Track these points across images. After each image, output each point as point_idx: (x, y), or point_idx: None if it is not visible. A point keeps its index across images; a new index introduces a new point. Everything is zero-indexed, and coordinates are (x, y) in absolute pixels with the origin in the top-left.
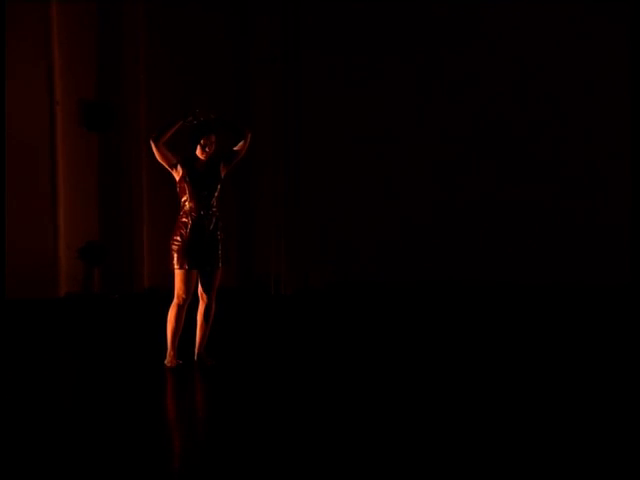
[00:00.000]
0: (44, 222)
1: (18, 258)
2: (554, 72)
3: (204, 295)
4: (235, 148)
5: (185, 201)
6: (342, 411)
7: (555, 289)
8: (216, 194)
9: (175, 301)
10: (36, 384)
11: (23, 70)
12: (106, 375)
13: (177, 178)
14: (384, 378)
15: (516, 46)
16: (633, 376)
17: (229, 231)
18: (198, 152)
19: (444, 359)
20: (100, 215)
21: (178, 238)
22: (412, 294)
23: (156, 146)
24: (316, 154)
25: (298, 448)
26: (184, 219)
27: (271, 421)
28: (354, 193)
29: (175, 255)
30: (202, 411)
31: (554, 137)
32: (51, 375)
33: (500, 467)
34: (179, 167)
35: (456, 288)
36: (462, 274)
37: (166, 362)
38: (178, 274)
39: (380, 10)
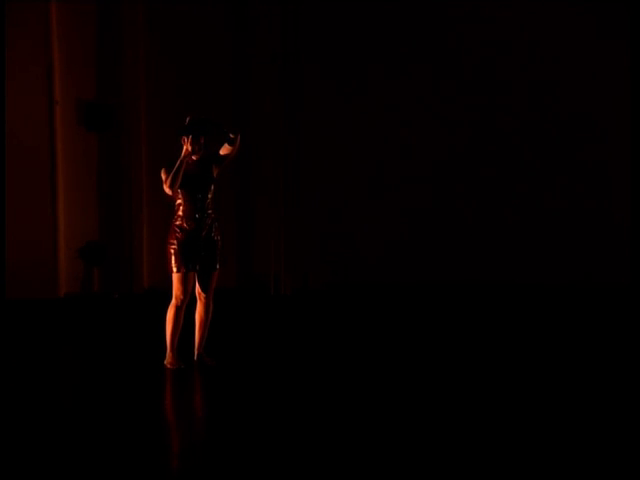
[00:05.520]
0: (44, 222)
1: (18, 258)
2: (555, 72)
3: (202, 296)
4: (224, 151)
5: (179, 204)
6: (341, 411)
7: (555, 289)
8: (210, 195)
9: (173, 302)
10: (36, 384)
11: (23, 70)
12: (106, 375)
13: None
14: (384, 378)
15: (516, 47)
16: (633, 376)
17: (228, 231)
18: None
19: (444, 359)
20: (100, 215)
21: (174, 241)
22: (412, 294)
23: (173, 191)
24: (316, 154)
25: (297, 448)
26: (178, 222)
27: (270, 421)
28: (354, 193)
29: (172, 258)
30: (201, 411)
31: (555, 137)
32: (51, 375)
33: (500, 467)
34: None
35: (457, 288)
36: (462, 274)
37: (166, 362)
38: (175, 277)
39: (380, 10)
